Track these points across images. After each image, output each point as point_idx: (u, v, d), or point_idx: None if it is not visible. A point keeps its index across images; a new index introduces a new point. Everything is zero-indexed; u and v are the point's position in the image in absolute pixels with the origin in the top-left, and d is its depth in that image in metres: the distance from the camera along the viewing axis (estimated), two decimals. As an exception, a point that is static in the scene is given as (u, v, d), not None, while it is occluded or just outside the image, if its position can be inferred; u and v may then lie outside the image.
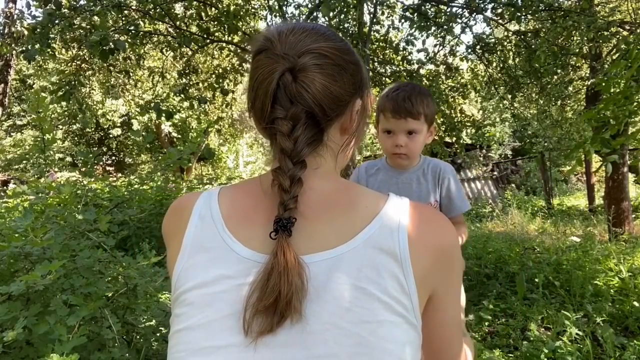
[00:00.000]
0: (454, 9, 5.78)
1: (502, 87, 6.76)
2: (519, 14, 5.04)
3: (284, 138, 0.65)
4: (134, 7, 5.47)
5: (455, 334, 0.71)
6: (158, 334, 2.17)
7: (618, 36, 5.04)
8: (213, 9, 5.80)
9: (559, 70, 6.23)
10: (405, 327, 0.60)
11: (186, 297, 0.63)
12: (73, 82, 5.08)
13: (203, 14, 5.90)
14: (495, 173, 13.94)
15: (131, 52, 6.21)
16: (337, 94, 0.67)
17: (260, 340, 0.57)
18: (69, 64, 7.32)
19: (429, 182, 1.57)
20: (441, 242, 0.67)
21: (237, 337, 0.58)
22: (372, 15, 5.65)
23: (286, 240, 0.60)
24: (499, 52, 6.30)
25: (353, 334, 0.57)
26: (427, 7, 5.82)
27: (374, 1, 5.75)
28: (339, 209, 0.67)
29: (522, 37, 5.95)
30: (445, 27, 5.70)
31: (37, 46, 3.93)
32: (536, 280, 3.96)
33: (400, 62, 6.10)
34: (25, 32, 4.52)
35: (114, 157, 17.81)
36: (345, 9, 5.29)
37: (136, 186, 4.29)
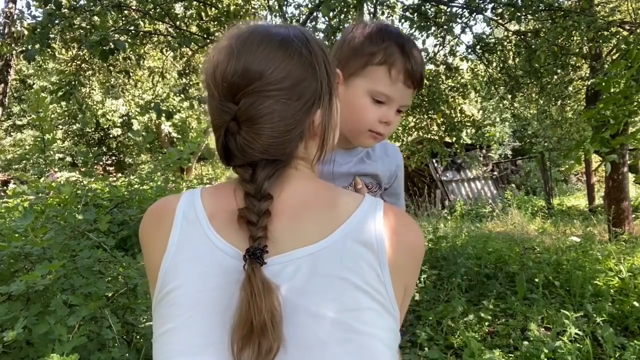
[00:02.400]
0: (454, 9, 5.78)
1: (502, 87, 6.76)
2: (519, 14, 5.03)
3: (246, 184, 0.67)
4: (134, 7, 5.47)
5: None
6: (158, 334, 2.16)
7: (618, 36, 5.04)
8: (213, 9, 5.80)
9: (559, 70, 6.23)
10: (385, 315, 0.64)
11: (171, 297, 0.63)
12: (73, 82, 5.08)
13: (203, 14, 5.90)
14: (495, 173, 13.94)
15: (131, 52, 6.20)
16: (285, 131, 0.66)
17: None
18: (69, 64, 7.33)
19: (377, 163, 1.14)
20: (413, 241, 0.71)
21: (226, 336, 0.59)
22: (372, 15, 5.65)
23: (254, 270, 0.60)
24: (499, 52, 6.30)
25: (340, 321, 0.60)
26: (427, 7, 5.81)
27: (374, 1, 5.75)
28: (320, 207, 0.70)
29: (522, 37, 5.95)
30: (445, 27, 5.70)
31: (37, 46, 3.93)
32: (536, 280, 3.96)
33: (400, 62, 6.09)
34: (25, 32, 4.53)
35: (114, 157, 17.81)
36: (345, 9, 5.29)
37: (136, 186, 4.28)
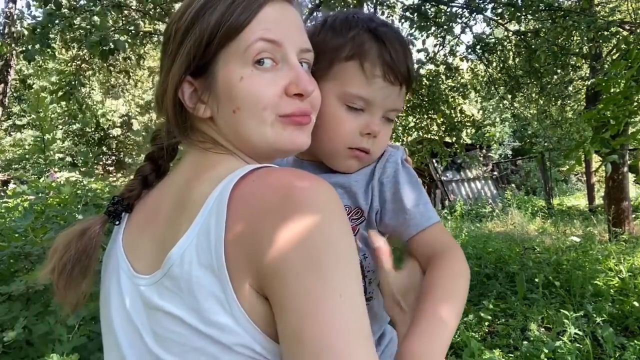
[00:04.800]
0: (454, 9, 5.77)
1: (502, 87, 6.76)
2: (519, 14, 5.03)
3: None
4: (134, 7, 5.47)
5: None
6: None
7: (618, 36, 5.04)
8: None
9: (559, 70, 6.24)
10: (237, 354, 0.50)
11: None
12: (73, 82, 5.08)
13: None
14: (495, 173, 13.94)
15: (131, 52, 6.21)
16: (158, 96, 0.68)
17: None
18: (69, 64, 7.33)
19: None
20: (260, 209, 0.50)
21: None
22: (372, 15, 5.65)
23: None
24: (499, 52, 6.30)
25: None
26: (427, 7, 5.81)
27: (374, 1, 5.75)
28: (172, 211, 0.60)
29: (522, 37, 5.95)
30: (445, 27, 5.70)
31: (37, 46, 3.93)
32: (536, 280, 3.95)
33: (400, 62, 6.09)
34: (25, 32, 4.53)
35: (114, 157, 17.81)
36: (345, 9, 5.30)
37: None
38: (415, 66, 6.10)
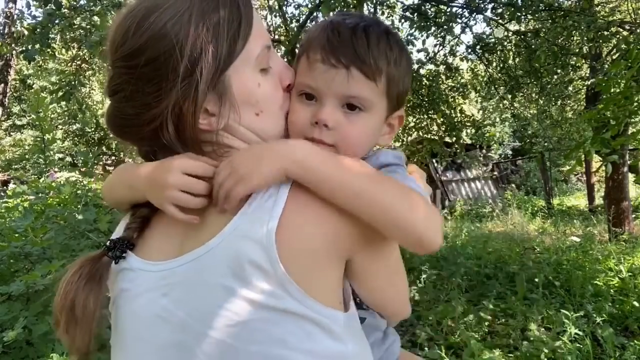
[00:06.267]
0: (454, 9, 5.78)
1: (502, 87, 6.77)
2: (519, 14, 5.04)
3: None
4: (134, 7, 5.47)
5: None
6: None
7: (618, 36, 5.04)
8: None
9: (559, 70, 6.24)
10: (282, 319, 0.56)
11: None
12: (73, 82, 5.09)
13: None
14: (495, 173, 13.93)
15: (131, 52, 6.21)
16: (126, 124, 0.71)
17: None
18: (69, 64, 7.33)
19: None
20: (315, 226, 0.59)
21: None
22: (372, 15, 5.65)
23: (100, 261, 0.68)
24: (499, 52, 6.30)
25: (219, 341, 0.56)
26: (427, 7, 5.81)
27: (374, 1, 5.75)
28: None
29: (522, 37, 5.96)
30: (445, 27, 5.71)
31: (37, 46, 3.93)
32: (536, 280, 3.95)
33: (400, 62, 6.10)
34: (25, 32, 4.53)
35: (114, 157, 17.80)
36: (345, 9, 5.30)
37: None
38: (415, 66, 6.10)
